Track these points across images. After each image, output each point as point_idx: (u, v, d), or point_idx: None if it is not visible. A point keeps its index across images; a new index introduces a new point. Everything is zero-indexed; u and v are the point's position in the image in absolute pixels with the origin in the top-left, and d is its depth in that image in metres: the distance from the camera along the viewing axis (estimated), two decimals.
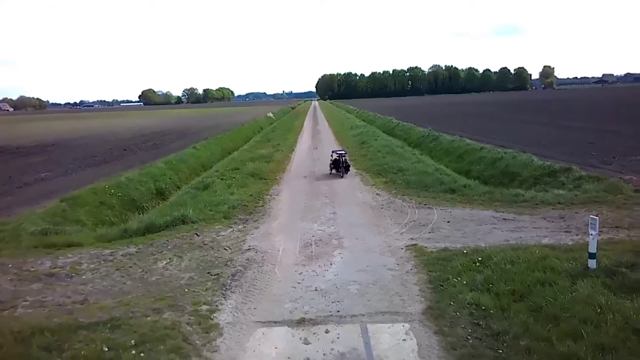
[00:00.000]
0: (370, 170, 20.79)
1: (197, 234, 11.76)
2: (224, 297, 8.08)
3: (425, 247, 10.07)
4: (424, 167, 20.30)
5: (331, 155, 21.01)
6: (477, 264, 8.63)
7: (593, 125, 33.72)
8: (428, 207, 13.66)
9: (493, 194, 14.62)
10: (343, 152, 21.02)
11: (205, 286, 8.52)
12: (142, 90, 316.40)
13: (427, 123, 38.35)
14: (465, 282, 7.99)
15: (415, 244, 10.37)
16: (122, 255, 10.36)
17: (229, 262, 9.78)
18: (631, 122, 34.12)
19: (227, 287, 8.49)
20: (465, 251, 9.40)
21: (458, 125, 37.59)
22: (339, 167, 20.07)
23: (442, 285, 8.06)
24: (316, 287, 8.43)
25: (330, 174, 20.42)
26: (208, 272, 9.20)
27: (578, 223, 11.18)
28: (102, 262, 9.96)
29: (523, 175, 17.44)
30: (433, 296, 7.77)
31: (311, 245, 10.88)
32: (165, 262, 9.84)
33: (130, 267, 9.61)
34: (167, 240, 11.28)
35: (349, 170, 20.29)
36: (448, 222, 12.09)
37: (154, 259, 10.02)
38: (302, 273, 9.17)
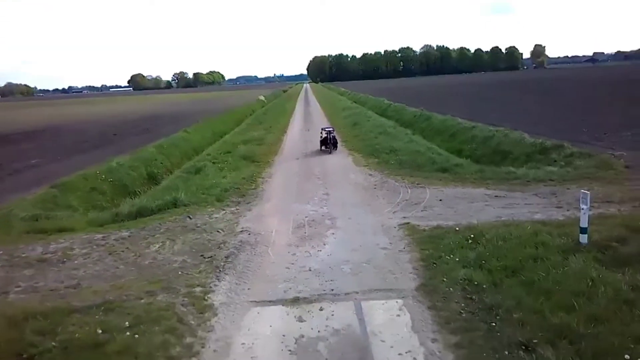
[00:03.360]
0: (362, 151, 20.77)
1: (189, 217, 11.72)
2: (218, 279, 8.07)
3: (418, 226, 10.10)
4: (417, 147, 20.31)
5: (321, 134, 22.16)
6: (470, 241, 8.68)
7: (584, 103, 33.79)
8: (421, 187, 13.67)
9: (485, 172, 14.67)
10: (331, 129, 22.48)
11: (199, 269, 8.51)
12: (131, 75, 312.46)
13: (419, 103, 38.23)
14: (457, 259, 8.04)
15: (408, 223, 10.40)
16: (114, 239, 10.31)
17: (222, 245, 9.76)
18: (622, 99, 34.24)
19: (221, 269, 8.48)
20: (457, 229, 9.45)
21: (450, 105, 37.48)
22: (328, 143, 21.39)
23: (434, 263, 8.10)
24: (310, 268, 8.45)
25: (321, 150, 21.69)
26: (201, 255, 9.18)
27: (569, 199, 11.25)
28: (95, 246, 9.92)
29: (515, 153, 17.49)
30: (426, 273, 7.82)
31: (304, 226, 10.88)
32: (157, 245, 9.80)
33: (123, 251, 9.57)
34: (160, 224, 11.24)
35: (337, 146, 21.64)
36: (440, 200, 12.11)
37: (146, 243, 9.98)
38: (295, 254, 9.17)
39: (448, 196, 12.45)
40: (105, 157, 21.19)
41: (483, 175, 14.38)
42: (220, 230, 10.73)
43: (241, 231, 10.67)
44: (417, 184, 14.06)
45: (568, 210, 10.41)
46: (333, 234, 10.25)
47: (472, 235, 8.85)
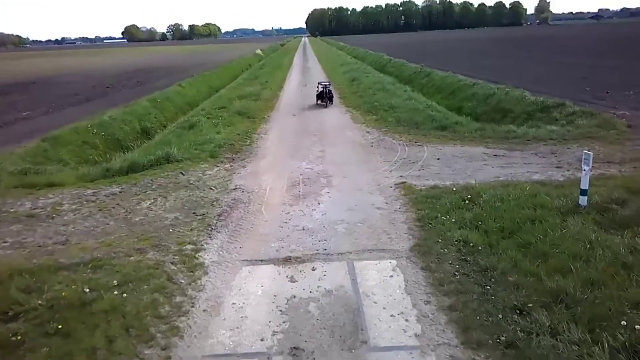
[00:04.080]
0: (360, 108, 20.33)
1: (182, 173, 11.49)
2: (210, 237, 7.92)
3: (415, 185, 9.90)
4: (416, 104, 19.86)
5: (317, 88, 22.32)
6: (467, 201, 8.51)
7: (587, 61, 33.05)
8: (418, 145, 13.40)
9: (484, 131, 14.38)
10: (327, 83, 22.97)
11: (191, 226, 8.34)
12: (125, 26, 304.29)
13: (419, 59, 37.31)
14: (454, 219, 7.88)
15: (405, 182, 10.20)
16: (105, 195, 10.11)
17: (215, 202, 9.57)
18: (626, 58, 33.50)
19: (213, 227, 8.31)
20: (454, 188, 9.25)
21: (451, 61, 36.63)
22: (324, 97, 21.73)
23: (430, 223, 7.95)
24: (303, 227, 8.29)
25: (317, 104, 22.01)
26: (193, 212, 9.00)
27: (570, 158, 11.06)
28: (84, 202, 9.72)
29: (515, 111, 17.12)
30: (421, 234, 7.67)
31: (299, 184, 10.67)
32: (149, 202, 9.61)
33: (113, 207, 9.37)
34: (152, 180, 11.02)
35: (332, 100, 22.15)
36: (438, 159, 11.88)
37: (137, 199, 9.78)
38: (289, 212, 9.00)
39: (446, 155, 12.21)
40: (97, 110, 20.77)
41: (483, 134, 14.10)
42: (214, 188, 10.53)
43: (234, 188, 10.47)
44: (415, 142, 13.78)
45: (568, 171, 10.23)
46: (328, 192, 10.06)
47: (469, 196, 8.68)
